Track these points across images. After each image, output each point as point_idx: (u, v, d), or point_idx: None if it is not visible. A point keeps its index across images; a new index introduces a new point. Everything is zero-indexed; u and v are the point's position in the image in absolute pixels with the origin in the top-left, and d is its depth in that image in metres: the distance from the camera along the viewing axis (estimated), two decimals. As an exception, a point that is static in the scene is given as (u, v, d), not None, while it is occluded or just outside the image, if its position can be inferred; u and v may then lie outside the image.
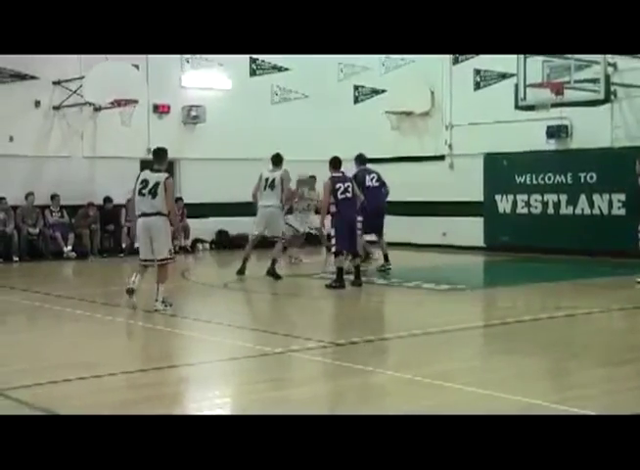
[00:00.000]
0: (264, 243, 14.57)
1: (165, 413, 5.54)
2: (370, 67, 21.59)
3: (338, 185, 12.79)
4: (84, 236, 18.87)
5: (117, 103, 17.93)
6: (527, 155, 18.22)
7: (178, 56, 20.19)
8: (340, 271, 12.66)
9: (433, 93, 20.35)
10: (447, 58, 19.73)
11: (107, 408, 5.80)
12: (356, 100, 22.30)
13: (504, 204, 18.77)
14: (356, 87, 22.24)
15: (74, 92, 18.56)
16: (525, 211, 18.42)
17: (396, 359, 7.94)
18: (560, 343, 8.61)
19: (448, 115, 20.11)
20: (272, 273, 13.79)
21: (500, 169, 18.73)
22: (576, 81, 15.59)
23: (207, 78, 21.11)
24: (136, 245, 18.21)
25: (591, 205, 17.23)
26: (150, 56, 19.00)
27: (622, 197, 16.33)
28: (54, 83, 18.87)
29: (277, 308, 12.21)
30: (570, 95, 15.60)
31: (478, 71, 19.48)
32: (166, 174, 10.71)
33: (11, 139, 18.43)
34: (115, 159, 19.32)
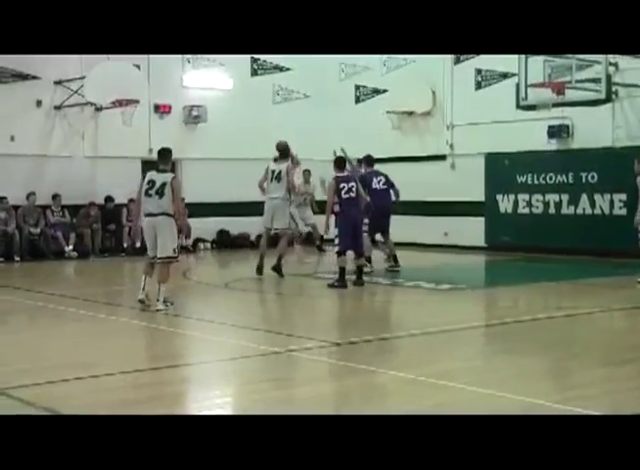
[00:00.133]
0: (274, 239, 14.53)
1: (167, 413, 5.55)
2: (371, 66, 21.60)
3: (342, 185, 12.82)
4: (85, 236, 18.88)
5: (119, 103, 17.94)
6: (529, 154, 18.22)
7: (179, 56, 20.20)
8: (342, 271, 12.66)
9: (434, 93, 20.36)
10: (449, 58, 19.73)
11: (108, 408, 5.80)
12: (357, 100, 22.31)
13: (505, 203, 18.77)
14: (357, 87, 22.25)
15: (76, 92, 18.57)
16: (526, 210, 18.42)
17: (398, 359, 7.94)
18: (561, 342, 8.61)
19: (449, 114, 20.11)
20: (277, 269, 13.82)
21: (501, 169, 18.73)
22: (578, 81, 15.59)
23: (209, 78, 21.13)
24: (137, 244, 18.37)
25: (592, 204, 17.24)
26: (151, 56, 19.01)
27: (624, 197, 16.31)
28: (55, 83, 18.88)
29: (278, 308, 12.22)
30: (571, 95, 15.60)
31: (479, 71, 19.48)
32: (173, 174, 10.85)
33: (12, 139, 18.45)
34: (117, 159, 19.34)
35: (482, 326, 10.09)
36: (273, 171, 13.99)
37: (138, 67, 18.77)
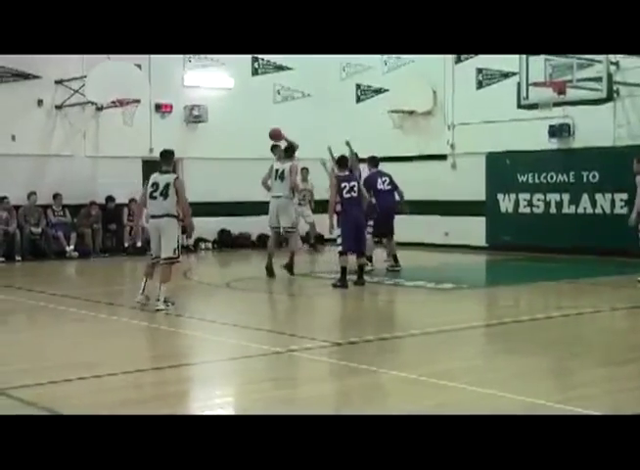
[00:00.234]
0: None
1: (169, 413, 5.55)
2: (372, 66, 21.59)
3: (343, 184, 12.82)
4: (86, 235, 18.88)
5: (120, 102, 17.93)
6: (530, 154, 18.22)
7: (180, 55, 20.20)
8: (343, 271, 12.66)
9: (435, 92, 20.35)
10: (449, 57, 19.73)
11: (109, 408, 5.80)
12: (358, 99, 22.30)
13: (506, 203, 18.77)
14: (358, 86, 22.24)
15: (77, 91, 18.57)
16: (527, 210, 18.42)
17: (399, 359, 7.94)
18: (562, 342, 8.61)
19: (450, 114, 20.11)
20: (289, 268, 13.90)
21: (502, 169, 18.73)
22: (579, 80, 15.58)
23: (210, 78, 21.13)
24: (138, 244, 18.39)
25: (593, 204, 17.24)
26: (152, 55, 19.01)
27: (625, 196, 16.30)
28: (56, 83, 18.89)
29: (279, 308, 12.23)
30: (572, 94, 15.60)
31: (480, 71, 19.48)
32: (175, 175, 10.93)
33: (13, 138, 18.46)
34: (118, 158, 19.34)
35: (483, 326, 10.09)
36: (277, 170, 14.04)
37: (139, 66, 18.77)
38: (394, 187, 15.01)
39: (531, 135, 17.91)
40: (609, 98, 15.42)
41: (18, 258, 17.79)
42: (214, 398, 6.59)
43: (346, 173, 13.07)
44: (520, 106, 16.10)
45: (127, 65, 17.85)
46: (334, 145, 14.87)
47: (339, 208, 12.87)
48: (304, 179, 19.55)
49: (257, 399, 6.31)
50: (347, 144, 14.24)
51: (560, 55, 15.19)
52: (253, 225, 20.48)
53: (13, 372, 7.15)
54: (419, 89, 20.31)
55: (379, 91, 21.69)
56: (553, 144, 18.05)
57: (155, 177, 10.75)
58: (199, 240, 20.45)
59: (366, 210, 13.35)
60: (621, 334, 9.41)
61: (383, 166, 15.56)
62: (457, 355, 7.92)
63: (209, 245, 20.86)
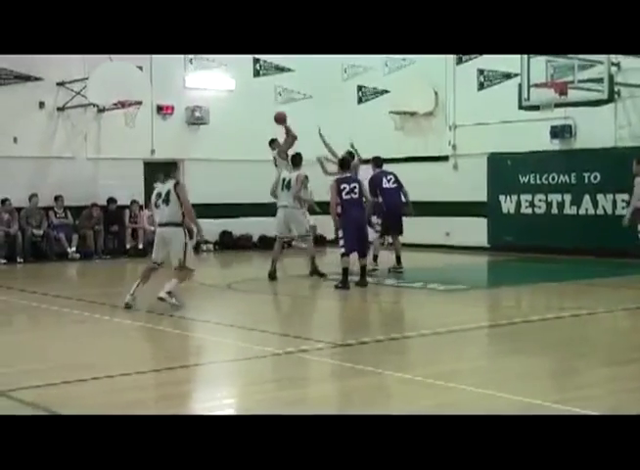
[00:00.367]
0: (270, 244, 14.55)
1: (172, 413, 5.54)
2: (373, 67, 21.59)
3: (343, 186, 12.80)
4: (88, 237, 18.89)
5: (121, 104, 17.96)
6: (531, 155, 18.22)
7: (182, 56, 20.23)
8: (345, 272, 12.65)
9: (436, 93, 20.36)
10: (451, 58, 19.73)
11: (111, 409, 5.79)
12: (360, 100, 22.31)
13: (508, 204, 18.77)
14: (360, 88, 22.25)
15: (78, 93, 18.59)
16: (528, 211, 18.42)
17: (400, 360, 7.93)
18: (564, 343, 8.60)
19: (452, 115, 20.11)
20: (316, 272, 14.01)
21: (504, 169, 18.73)
22: (580, 81, 15.58)
23: (211, 79, 21.15)
24: (140, 246, 18.40)
25: (595, 205, 17.24)
26: (153, 56, 19.06)
27: (626, 197, 16.26)
28: (58, 84, 18.91)
29: (282, 309, 12.24)
30: (573, 95, 15.60)
31: (481, 72, 19.48)
32: (174, 180, 11.02)
33: (15, 140, 18.48)
34: (119, 160, 19.36)
35: (486, 327, 10.07)
36: (284, 180, 14.16)
37: (140, 68, 18.79)
38: (400, 185, 15.02)
39: (533, 136, 17.92)
40: (610, 99, 15.41)
41: (19, 259, 17.82)
42: (218, 398, 6.59)
43: (347, 175, 13.04)
44: (521, 107, 16.09)
45: (129, 66, 17.88)
46: (334, 145, 14.88)
47: (339, 209, 12.86)
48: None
49: (261, 400, 6.31)
50: (352, 146, 14.24)
51: (561, 56, 15.19)
52: (255, 227, 20.51)
53: (16, 373, 7.14)
54: (420, 90, 20.32)
55: (380, 92, 21.69)
56: (554, 145, 18.06)
57: (157, 188, 11.00)
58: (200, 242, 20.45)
59: (370, 210, 13.35)
60: (624, 334, 9.40)
61: (385, 168, 15.54)
62: (461, 356, 7.91)
63: (211, 246, 20.86)
